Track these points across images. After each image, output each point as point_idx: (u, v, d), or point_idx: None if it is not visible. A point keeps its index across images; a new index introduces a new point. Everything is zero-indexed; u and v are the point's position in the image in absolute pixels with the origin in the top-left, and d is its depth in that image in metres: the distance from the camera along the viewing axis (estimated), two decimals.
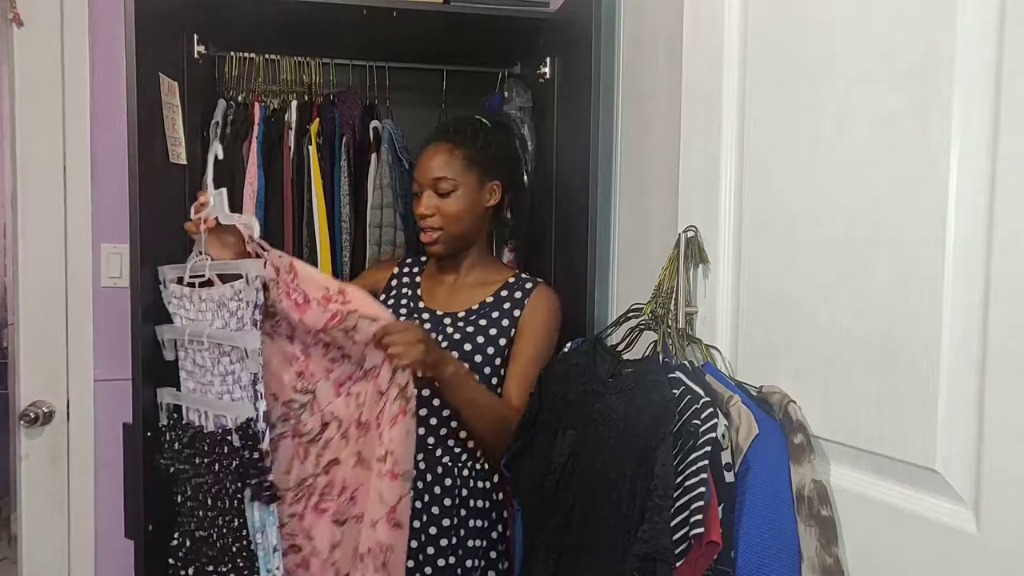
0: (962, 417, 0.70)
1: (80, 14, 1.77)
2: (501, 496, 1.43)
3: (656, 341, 1.07)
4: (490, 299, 1.44)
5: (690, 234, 1.05)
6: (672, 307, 1.06)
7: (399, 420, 1.20)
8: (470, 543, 1.37)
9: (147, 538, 1.34)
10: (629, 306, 1.14)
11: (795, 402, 0.88)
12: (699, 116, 1.07)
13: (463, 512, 1.38)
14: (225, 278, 1.27)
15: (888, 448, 0.78)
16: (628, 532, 0.90)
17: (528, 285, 1.45)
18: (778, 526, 0.84)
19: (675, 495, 0.86)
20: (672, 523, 0.85)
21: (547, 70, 1.65)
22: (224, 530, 1.27)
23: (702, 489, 0.83)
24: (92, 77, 1.79)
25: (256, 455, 1.20)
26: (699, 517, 0.82)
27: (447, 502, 1.36)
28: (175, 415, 1.36)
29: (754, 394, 0.94)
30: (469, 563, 1.37)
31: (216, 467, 1.27)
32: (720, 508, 0.84)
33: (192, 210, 1.29)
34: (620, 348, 1.18)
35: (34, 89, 1.76)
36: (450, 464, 1.38)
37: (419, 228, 1.44)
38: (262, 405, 1.21)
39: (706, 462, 0.84)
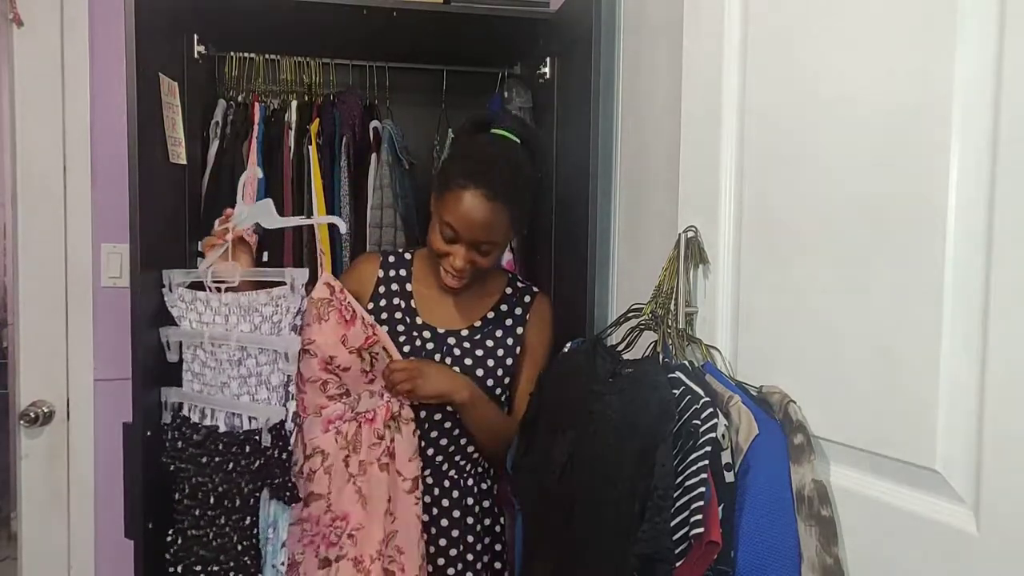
0: (962, 417, 0.70)
1: (80, 14, 1.77)
2: (496, 488, 1.46)
3: (656, 341, 1.07)
4: (491, 314, 1.41)
5: (690, 234, 1.05)
6: (672, 307, 1.06)
7: (415, 459, 1.31)
8: (479, 546, 1.39)
9: (147, 538, 1.34)
10: (629, 306, 1.14)
11: (795, 402, 0.88)
12: (699, 116, 1.07)
13: (470, 519, 1.38)
14: (244, 283, 1.35)
15: (888, 448, 0.78)
16: (628, 532, 0.90)
17: (527, 298, 1.44)
18: (778, 526, 0.84)
19: (675, 495, 0.86)
20: (672, 523, 0.85)
21: (547, 70, 1.65)
22: (227, 528, 1.31)
23: (702, 489, 0.83)
24: (92, 77, 1.79)
25: (284, 455, 1.27)
26: (699, 517, 0.82)
27: (456, 513, 1.37)
28: (179, 415, 1.39)
29: (754, 394, 0.94)
30: (478, 564, 1.38)
31: (229, 466, 1.31)
32: (720, 508, 0.84)
33: (216, 223, 1.37)
34: (620, 348, 1.18)
35: (34, 89, 1.76)
36: (456, 476, 1.38)
37: (441, 265, 1.30)
38: (292, 406, 1.28)
39: (706, 462, 0.84)
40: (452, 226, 1.26)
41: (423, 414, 1.34)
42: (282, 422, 1.29)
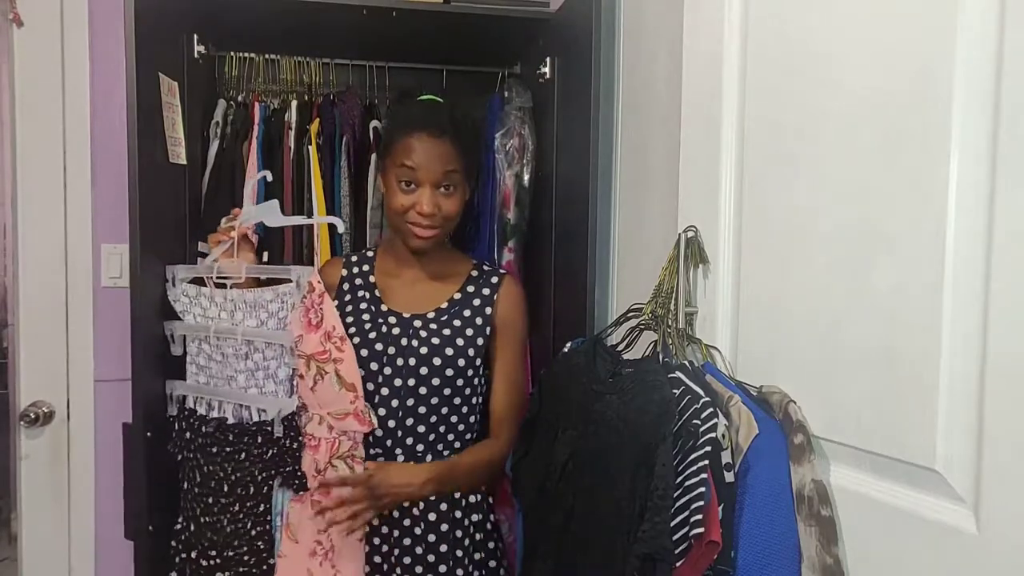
0: (962, 417, 0.70)
1: (80, 14, 1.77)
2: (492, 500, 1.43)
3: (656, 341, 1.07)
4: (458, 295, 1.40)
5: (690, 234, 1.05)
6: (672, 307, 1.06)
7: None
8: (477, 554, 1.35)
9: (147, 538, 1.35)
10: (629, 306, 1.14)
11: (795, 402, 0.88)
12: (699, 116, 1.07)
13: (458, 533, 1.33)
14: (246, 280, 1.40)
15: (888, 448, 0.78)
16: (628, 532, 0.90)
17: (494, 279, 1.43)
18: (778, 526, 0.84)
19: (675, 495, 0.86)
20: (672, 523, 0.85)
21: (547, 70, 1.65)
22: (240, 515, 1.36)
23: (702, 489, 0.83)
24: (92, 77, 1.79)
25: (295, 445, 1.32)
26: (699, 517, 0.82)
27: (443, 527, 1.32)
28: (185, 407, 1.44)
29: (754, 394, 0.94)
30: (476, 573, 1.35)
31: (241, 456, 1.35)
32: (720, 508, 0.84)
33: (223, 220, 1.41)
34: (620, 348, 1.18)
35: (34, 89, 1.76)
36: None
37: (408, 222, 1.31)
38: (296, 399, 1.33)
39: (706, 462, 0.84)
40: (408, 166, 1.29)
41: (391, 424, 1.31)
42: (292, 413, 1.33)
